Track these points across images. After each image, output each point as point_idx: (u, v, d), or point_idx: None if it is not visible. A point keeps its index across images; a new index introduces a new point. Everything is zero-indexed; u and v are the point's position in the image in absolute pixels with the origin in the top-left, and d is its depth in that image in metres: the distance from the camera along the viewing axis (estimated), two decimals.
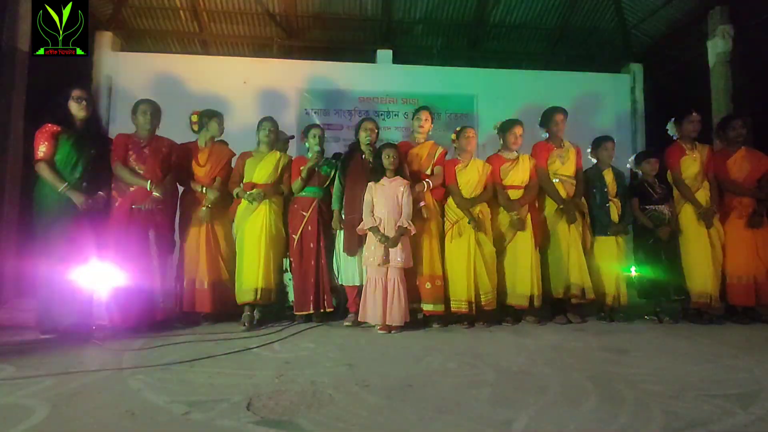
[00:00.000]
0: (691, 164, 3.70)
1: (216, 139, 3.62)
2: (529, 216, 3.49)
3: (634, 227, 3.85)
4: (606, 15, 6.48)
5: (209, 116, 3.56)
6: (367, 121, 3.58)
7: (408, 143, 3.70)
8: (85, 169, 2.99)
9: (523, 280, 3.38)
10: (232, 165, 3.63)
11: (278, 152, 3.60)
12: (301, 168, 3.49)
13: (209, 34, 6.41)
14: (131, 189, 3.18)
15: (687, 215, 3.65)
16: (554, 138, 3.70)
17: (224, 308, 3.40)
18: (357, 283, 3.39)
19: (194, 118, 3.57)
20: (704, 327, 3.41)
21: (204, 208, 3.40)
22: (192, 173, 3.49)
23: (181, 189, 3.57)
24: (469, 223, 3.34)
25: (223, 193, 3.49)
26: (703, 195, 3.65)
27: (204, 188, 3.42)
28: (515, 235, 3.46)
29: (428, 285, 3.31)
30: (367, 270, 3.27)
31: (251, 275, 3.31)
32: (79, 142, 3.00)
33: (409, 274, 3.28)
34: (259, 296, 3.28)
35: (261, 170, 3.48)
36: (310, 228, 3.49)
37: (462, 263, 3.32)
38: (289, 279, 3.64)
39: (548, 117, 3.72)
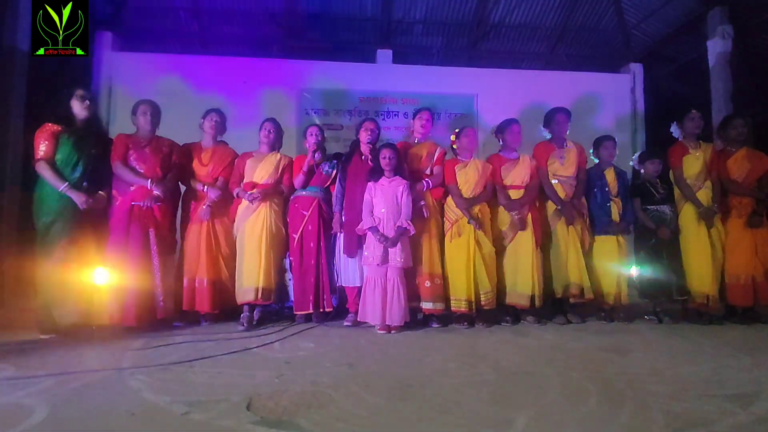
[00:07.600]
0: (693, 163, 3.68)
1: (219, 139, 3.62)
2: (530, 215, 3.49)
3: (635, 227, 3.84)
4: (606, 15, 6.48)
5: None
6: (368, 122, 3.59)
7: (407, 143, 3.70)
8: (85, 169, 2.99)
9: (524, 280, 3.38)
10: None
11: (278, 153, 3.61)
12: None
13: (209, 34, 6.40)
14: (131, 188, 3.17)
15: (687, 214, 3.63)
16: (556, 138, 3.69)
17: (224, 308, 3.40)
18: (357, 284, 3.39)
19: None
20: (704, 327, 3.40)
21: (205, 207, 3.40)
22: (193, 172, 3.49)
23: (183, 189, 3.56)
24: (468, 222, 3.35)
25: (224, 193, 3.49)
26: (704, 194, 3.62)
27: (206, 186, 3.43)
28: (516, 234, 3.46)
29: (428, 283, 3.31)
30: (366, 270, 3.27)
31: (251, 275, 3.31)
32: (79, 141, 3.00)
33: (409, 274, 3.29)
34: (259, 296, 3.28)
35: (261, 170, 3.48)
36: (310, 227, 3.48)
37: (461, 263, 3.32)
38: (290, 279, 3.63)
39: (550, 117, 3.72)
